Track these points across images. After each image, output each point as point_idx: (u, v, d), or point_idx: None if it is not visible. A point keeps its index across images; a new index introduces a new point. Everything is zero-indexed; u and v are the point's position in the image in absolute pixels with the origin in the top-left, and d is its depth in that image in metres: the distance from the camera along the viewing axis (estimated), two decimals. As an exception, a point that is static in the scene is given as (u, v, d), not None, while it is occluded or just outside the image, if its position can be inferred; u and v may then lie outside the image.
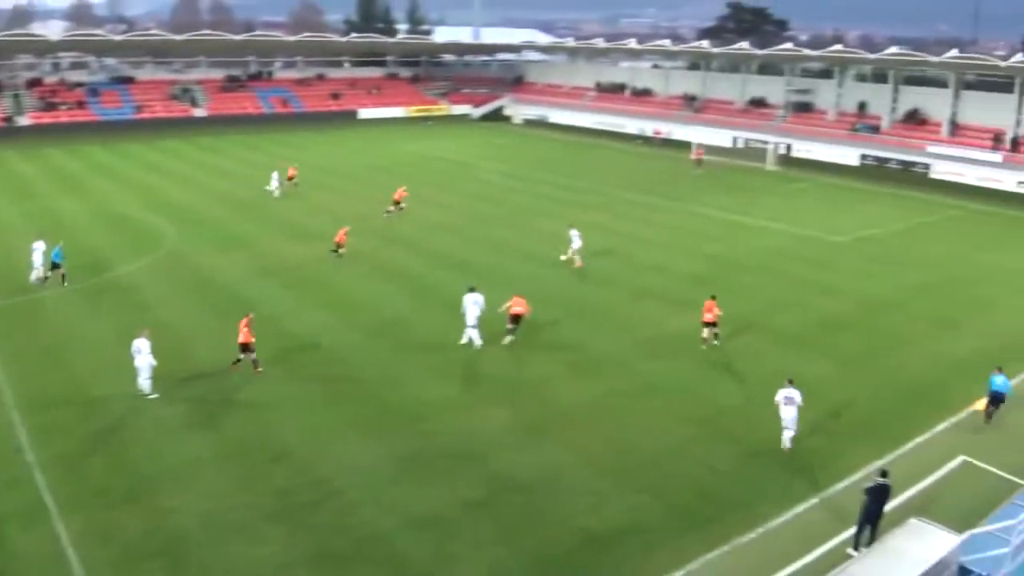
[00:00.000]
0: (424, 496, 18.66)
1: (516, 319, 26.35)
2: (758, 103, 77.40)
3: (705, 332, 26.94)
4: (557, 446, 20.74)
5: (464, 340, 26.03)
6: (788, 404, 20.76)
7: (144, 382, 22.49)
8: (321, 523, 17.80)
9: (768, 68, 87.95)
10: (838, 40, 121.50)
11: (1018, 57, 58.15)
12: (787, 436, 20.76)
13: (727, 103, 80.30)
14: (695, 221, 45.04)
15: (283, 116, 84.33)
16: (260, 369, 23.89)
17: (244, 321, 24.01)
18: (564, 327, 28.26)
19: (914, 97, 67.69)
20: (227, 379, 23.64)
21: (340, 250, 35.05)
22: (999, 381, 22.83)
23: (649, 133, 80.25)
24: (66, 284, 30.86)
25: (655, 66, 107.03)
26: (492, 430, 21.42)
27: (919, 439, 21.85)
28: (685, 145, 73.91)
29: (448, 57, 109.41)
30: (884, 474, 17.47)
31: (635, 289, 32.53)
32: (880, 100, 69.09)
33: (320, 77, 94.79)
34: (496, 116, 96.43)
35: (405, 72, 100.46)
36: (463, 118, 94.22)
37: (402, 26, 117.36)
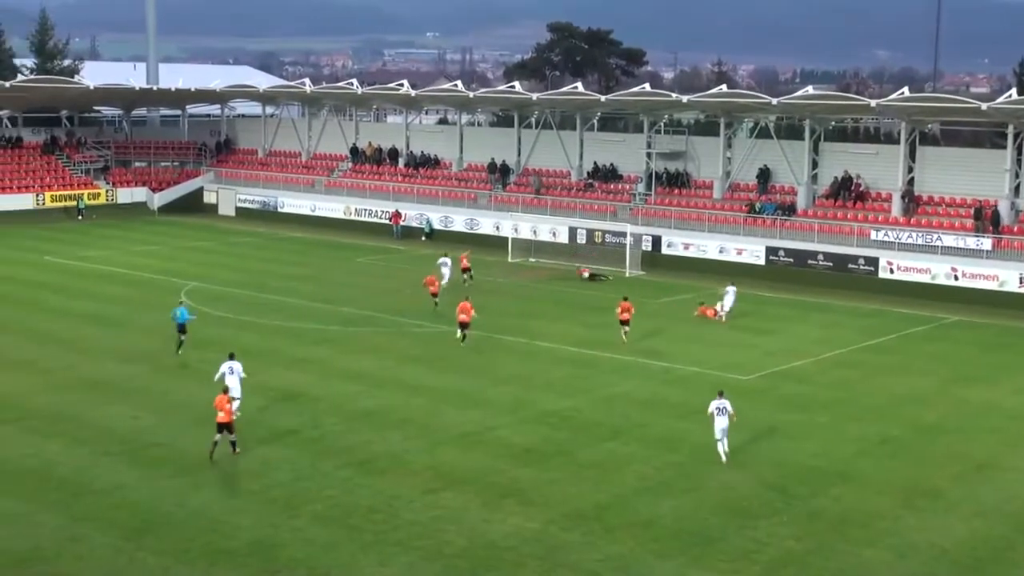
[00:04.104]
0: None
1: (464, 325, 48.02)
2: (606, 175, 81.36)
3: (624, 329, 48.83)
4: None
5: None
6: (720, 415, 33.75)
7: None
8: None
9: (618, 122, 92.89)
10: (723, 79, 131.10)
11: (1011, 95, 63.11)
12: (722, 449, 33.77)
13: (557, 175, 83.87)
14: (529, 361, 46.51)
15: None
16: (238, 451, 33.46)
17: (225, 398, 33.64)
18: None
19: (846, 159, 72.72)
20: None
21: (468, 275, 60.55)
22: None
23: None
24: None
25: (443, 121, 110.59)
26: None
27: None
28: (491, 242, 75.90)
29: (107, 111, 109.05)
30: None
31: (438, 476, 32.17)
32: (792, 166, 73.94)
33: None
34: (191, 204, 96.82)
35: (34, 135, 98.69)
36: (135, 209, 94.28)
37: (26, 61, 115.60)
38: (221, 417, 33.44)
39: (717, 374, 43.91)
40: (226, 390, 35.42)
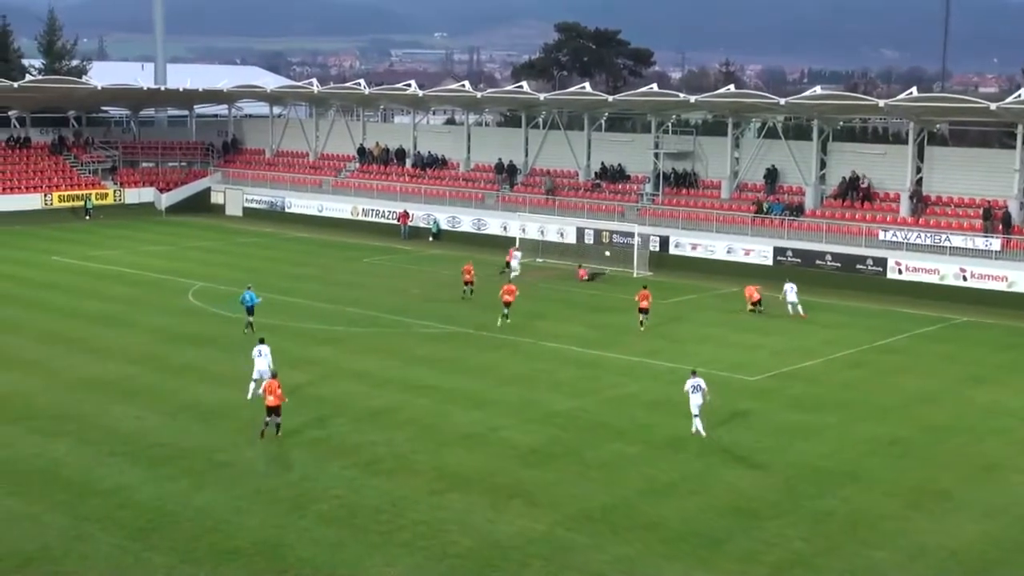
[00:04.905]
0: None
1: (507, 305, 52.64)
2: (613, 175, 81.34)
3: (641, 317, 51.96)
4: None
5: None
6: (695, 392, 36.04)
7: None
8: None
9: (626, 122, 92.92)
10: (731, 79, 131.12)
11: (1020, 95, 63.06)
12: (698, 423, 36.04)
13: (565, 176, 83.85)
14: (536, 361, 46.54)
15: None
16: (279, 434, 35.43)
17: (275, 385, 35.48)
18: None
19: (854, 159, 72.86)
20: None
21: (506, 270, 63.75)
22: None
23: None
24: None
25: (450, 122, 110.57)
26: None
27: None
28: (499, 242, 75.82)
29: (115, 111, 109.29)
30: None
31: (443, 477, 32.18)
32: (800, 166, 74.03)
33: None
34: (198, 205, 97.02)
35: (42, 135, 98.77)
36: (143, 209, 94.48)
37: (34, 61, 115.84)
38: (270, 401, 35.31)
39: (725, 375, 43.90)
40: (274, 375, 36.73)
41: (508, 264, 66.54)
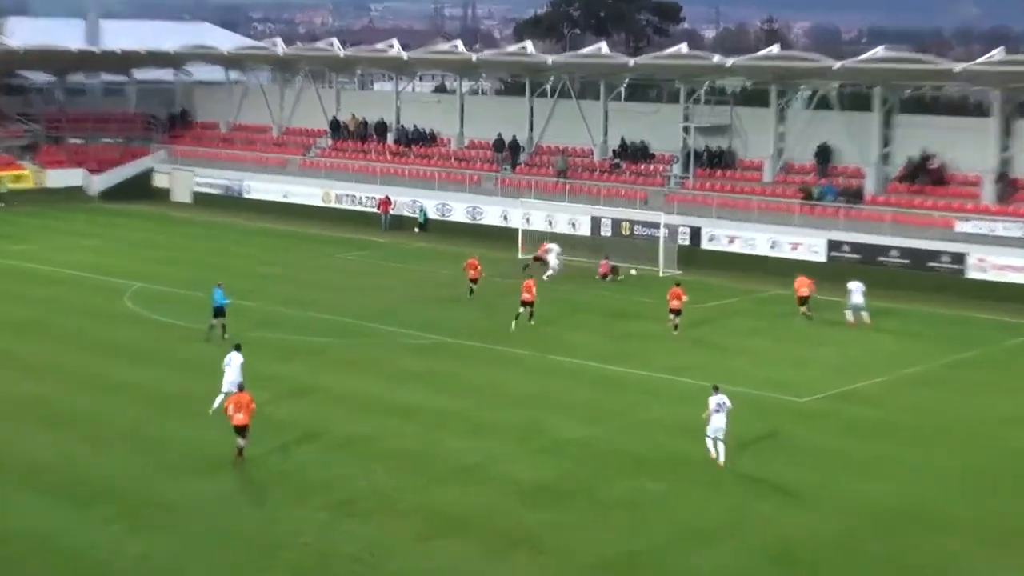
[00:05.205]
0: None
1: (527, 304, 53.79)
2: (635, 154, 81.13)
3: (672, 316, 53.25)
4: None
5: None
6: (719, 411, 36.35)
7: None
8: None
9: (650, 91, 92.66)
10: (775, 38, 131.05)
11: None
12: (720, 449, 36.23)
13: (578, 155, 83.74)
14: (543, 378, 46.40)
15: None
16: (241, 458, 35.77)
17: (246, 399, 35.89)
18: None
19: (925, 135, 72.09)
20: None
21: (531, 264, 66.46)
22: None
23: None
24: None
25: (440, 89, 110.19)
26: None
27: None
28: (497, 235, 75.56)
29: (36, 77, 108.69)
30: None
31: (432, 519, 31.97)
32: (859, 143, 73.59)
33: None
34: (138, 189, 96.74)
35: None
36: (69, 195, 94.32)
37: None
38: (239, 419, 35.77)
39: (769, 395, 43.81)
40: (241, 388, 37.15)
41: (538, 260, 67.03)
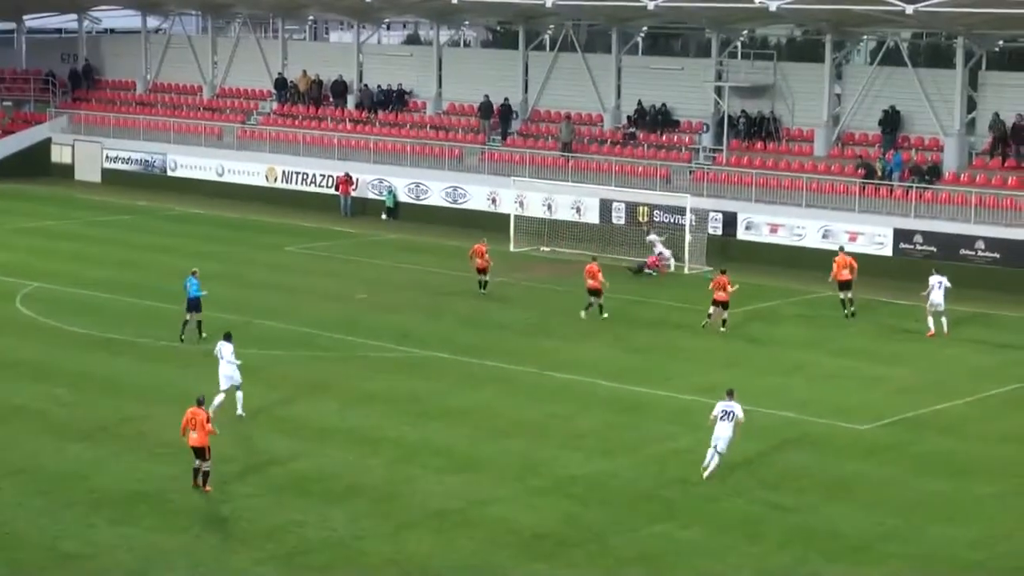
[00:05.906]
0: None
1: (594, 292, 57.71)
2: (655, 120, 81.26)
3: (712, 310, 55.81)
4: None
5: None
6: (724, 419, 38.02)
7: None
8: None
9: (673, 42, 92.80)
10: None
11: None
12: (715, 462, 38.01)
13: (585, 121, 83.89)
14: (543, 401, 46.57)
15: None
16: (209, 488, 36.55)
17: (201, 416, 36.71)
18: None
19: (1019, 98, 72.03)
20: None
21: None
22: None
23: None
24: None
25: (412, 40, 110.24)
26: None
27: None
28: (483, 221, 75.89)
29: None
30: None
31: (404, 574, 32.10)
32: (936, 107, 73.73)
33: None
34: (31, 165, 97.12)
35: None
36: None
37: None
38: (194, 439, 36.75)
39: (824, 422, 44.04)
40: (200, 402, 37.72)
41: (653, 267, 68.45)
